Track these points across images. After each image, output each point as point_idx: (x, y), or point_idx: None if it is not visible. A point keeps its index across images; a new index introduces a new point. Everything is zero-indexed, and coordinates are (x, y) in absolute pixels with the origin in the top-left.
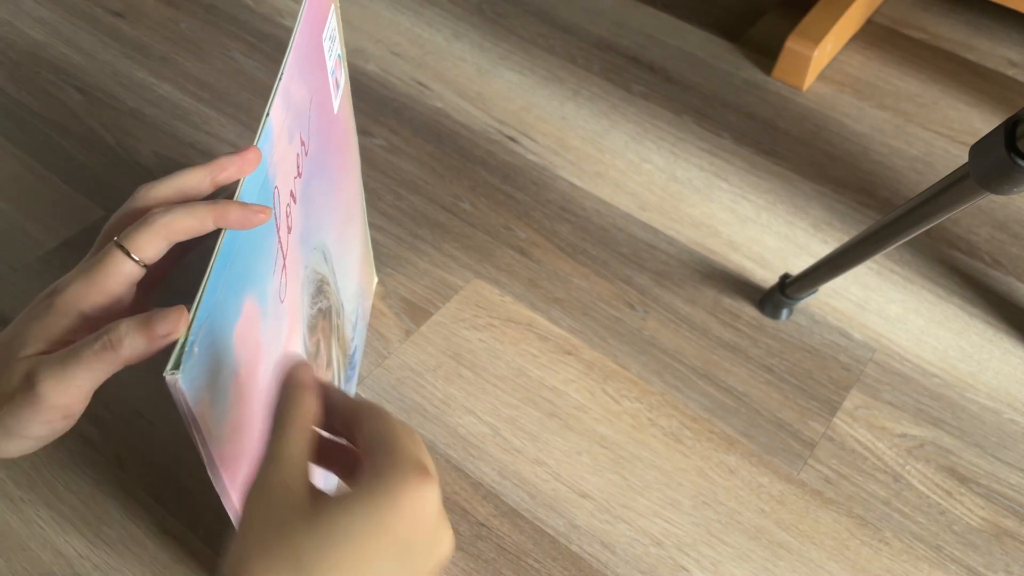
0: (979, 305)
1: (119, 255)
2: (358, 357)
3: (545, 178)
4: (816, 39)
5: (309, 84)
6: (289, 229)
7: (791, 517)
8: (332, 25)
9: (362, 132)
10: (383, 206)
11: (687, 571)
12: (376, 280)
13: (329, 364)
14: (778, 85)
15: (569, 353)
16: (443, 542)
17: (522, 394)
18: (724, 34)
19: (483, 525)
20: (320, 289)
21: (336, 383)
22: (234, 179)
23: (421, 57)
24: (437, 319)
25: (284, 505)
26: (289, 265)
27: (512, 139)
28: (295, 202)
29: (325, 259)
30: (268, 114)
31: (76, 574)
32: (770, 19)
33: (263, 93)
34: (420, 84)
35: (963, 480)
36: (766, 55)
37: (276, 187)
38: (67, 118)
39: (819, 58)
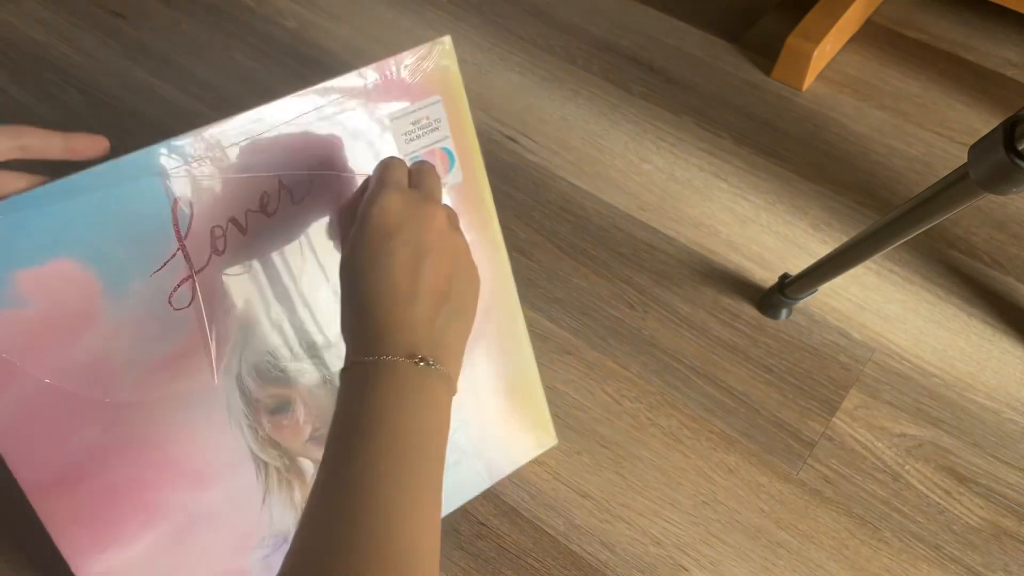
0: (978, 305)
1: None
2: None
3: (545, 178)
4: (815, 39)
5: (321, 149)
6: (219, 252)
7: (790, 516)
8: (422, 114)
9: None
10: None
11: (686, 570)
12: (555, 441)
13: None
14: (777, 85)
15: (569, 353)
16: (459, 242)
17: None
18: (724, 34)
19: (483, 524)
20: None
21: None
22: (83, 156)
23: None
24: None
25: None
26: (202, 281)
27: (512, 139)
28: (243, 233)
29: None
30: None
31: None
32: (770, 19)
33: (264, 94)
34: None
35: (962, 480)
36: (766, 55)
37: (176, 199)
38: (68, 118)
39: (818, 58)
